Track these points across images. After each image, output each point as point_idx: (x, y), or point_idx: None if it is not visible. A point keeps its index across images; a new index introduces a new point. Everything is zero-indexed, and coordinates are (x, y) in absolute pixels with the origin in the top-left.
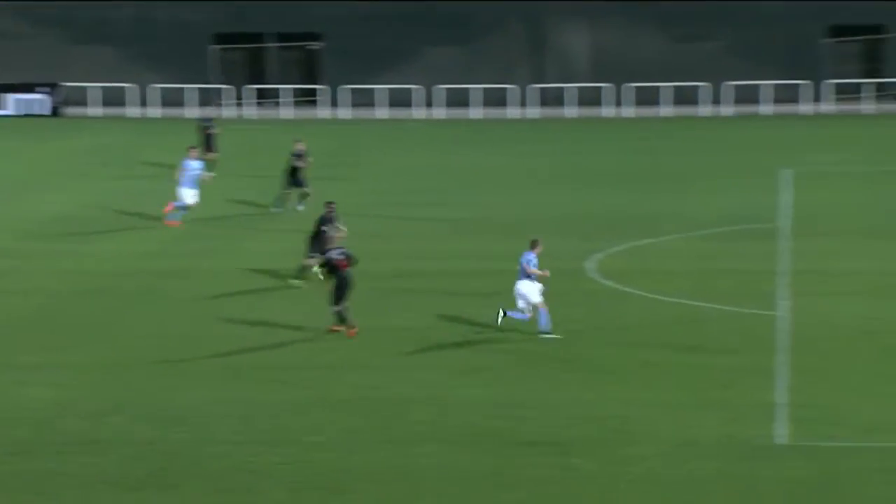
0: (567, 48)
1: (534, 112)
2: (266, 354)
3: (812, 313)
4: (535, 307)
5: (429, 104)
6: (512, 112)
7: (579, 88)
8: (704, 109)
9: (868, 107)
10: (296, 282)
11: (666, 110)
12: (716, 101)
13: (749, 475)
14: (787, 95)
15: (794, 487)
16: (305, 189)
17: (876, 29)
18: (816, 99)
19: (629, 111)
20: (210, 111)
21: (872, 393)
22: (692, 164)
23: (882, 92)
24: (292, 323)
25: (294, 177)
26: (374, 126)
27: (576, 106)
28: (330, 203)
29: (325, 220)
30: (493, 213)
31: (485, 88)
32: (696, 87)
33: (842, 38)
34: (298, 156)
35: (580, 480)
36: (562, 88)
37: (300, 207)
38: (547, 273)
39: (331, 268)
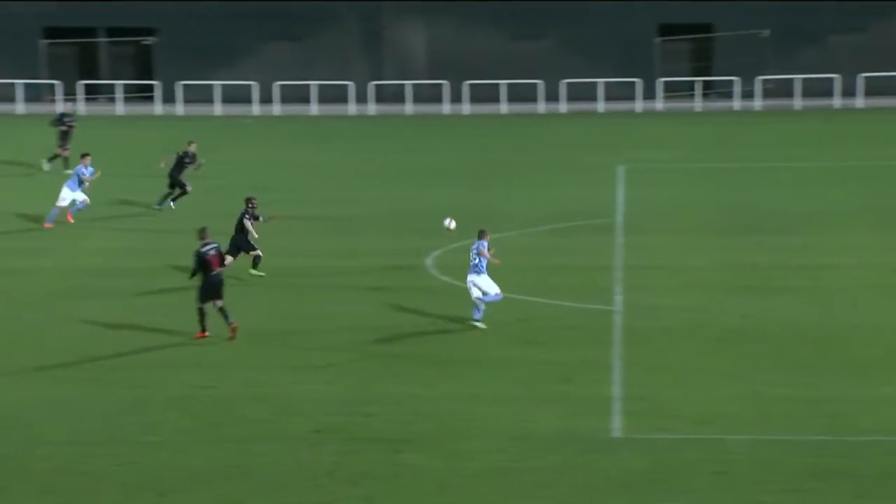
0: (404, 45)
1: (373, 109)
2: (98, 353)
3: (646, 308)
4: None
5: (266, 100)
6: (351, 109)
7: (417, 85)
8: (541, 107)
9: (698, 104)
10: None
11: (503, 107)
12: (553, 98)
13: (585, 468)
14: (621, 93)
15: (628, 479)
16: (187, 189)
17: (705, 28)
18: (649, 97)
19: (467, 108)
20: (69, 106)
21: (702, 385)
22: (529, 161)
23: (711, 90)
24: (125, 322)
25: (177, 176)
26: (211, 122)
27: (414, 103)
28: (250, 199)
29: (246, 216)
30: (330, 210)
31: (323, 85)
32: (533, 84)
33: (672, 37)
34: (189, 156)
35: (419, 476)
36: (400, 85)
37: (172, 205)
38: (498, 260)
39: (202, 264)
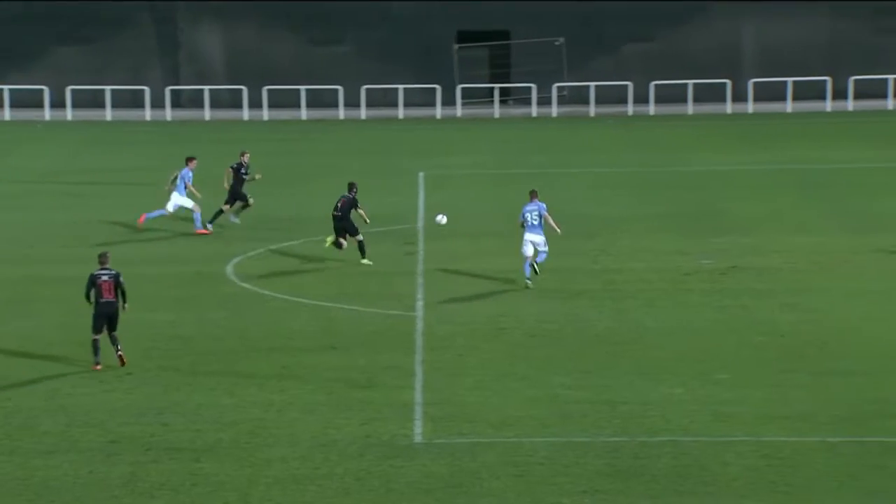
0: (201, 49)
1: (169, 114)
2: None
3: (447, 313)
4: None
5: (59, 105)
6: (147, 114)
7: (215, 90)
8: (341, 112)
9: (497, 111)
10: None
11: (304, 113)
12: (353, 103)
13: (387, 474)
14: (421, 99)
15: (429, 484)
16: (249, 202)
17: (503, 35)
18: (449, 103)
19: (267, 114)
20: None
21: (502, 389)
22: (331, 167)
23: (509, 96)
24: None
25: (238, 189)
26: (1, 128)
27: (212, 108)
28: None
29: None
30: (126, 215)
31: (117, 90)
32: (334, 89)
33: (470, 44)
34: (245, 167)
35: (218, 485)
36: (198, 90)
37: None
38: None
39: (92, 288)
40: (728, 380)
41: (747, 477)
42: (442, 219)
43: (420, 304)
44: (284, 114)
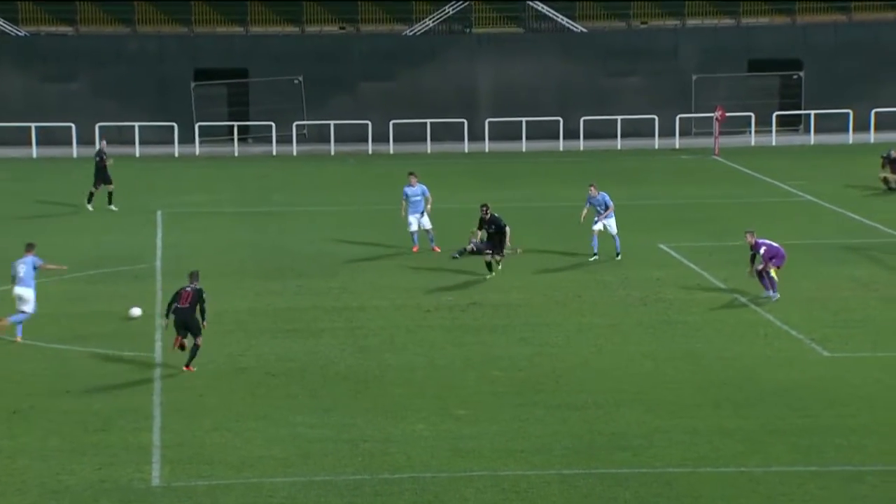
0: None
1: None
2: None
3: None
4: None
5: None
6: None
7: None
8: (74, 150)
9: (236, 149)
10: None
11: (34, 151)
12: (87, 141)
13: None
14: (158, 137)
15: None
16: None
17: (241, 73)
18: (187, 141)
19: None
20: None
21: (242, 430)
22: (66, 206)
23: (248, 135)
24: None
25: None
26: None
27: None
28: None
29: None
30: None
31: None
32: (67, 126)
33: (208, 82)
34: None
35: None
36: None
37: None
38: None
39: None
40: (468, 415)
41: None
42: (136, 312)
43: (159, 344)
44: (12, 151)
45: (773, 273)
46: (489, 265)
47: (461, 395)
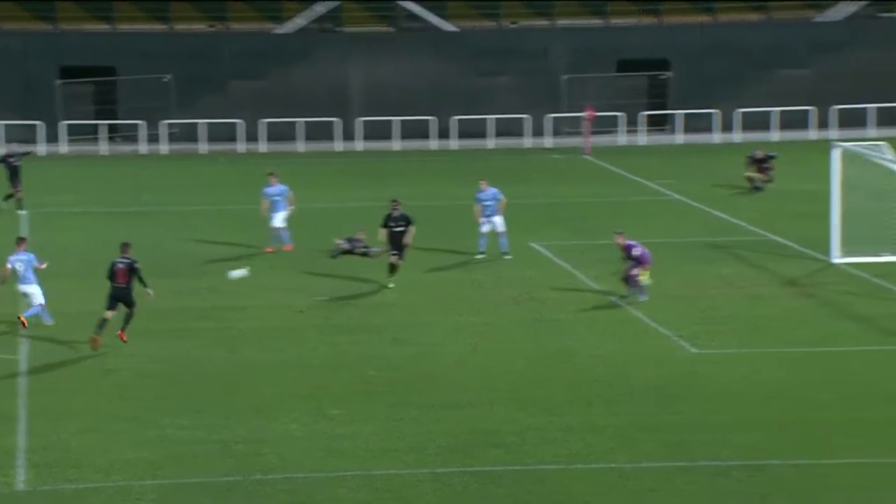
0: None
1: None
2: None
3: (52, 354)
4: None
5: None
6: None
7: None
8: None
9: (104, 148)
10: None
11: None
12: None
13: None
14: (23, 136)
15: None
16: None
17: (108, 71)
18: (52, 140)
19: None
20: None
21: (111, 432)
22: None
23: (116, 133)
24: None
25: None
26: None
27: None
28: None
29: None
30: None
31: None
32: None
33: (74, 80)
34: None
35: None
36: None
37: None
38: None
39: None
40: (341, 415)
41: None
42: (238, 273)
43: (24, 346)
44: None
45: (642, 278)
46: (394, 267)
47: (335, 394)
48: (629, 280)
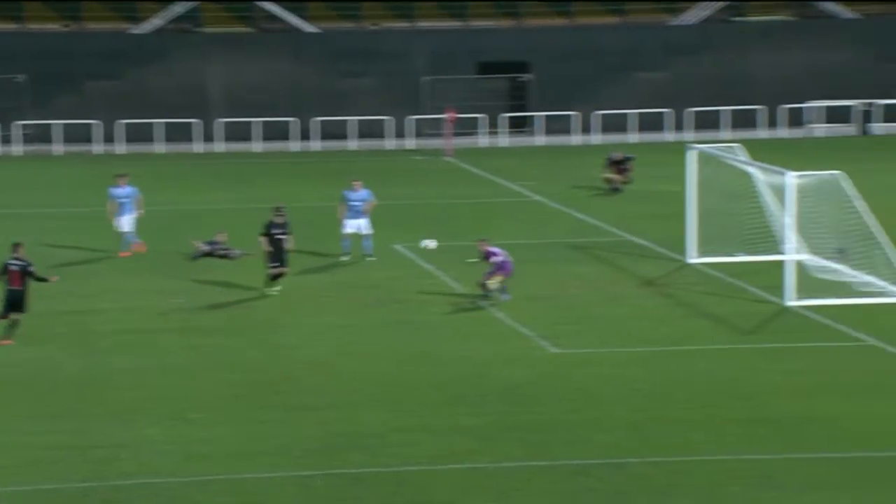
0: None
1: None
2: None
3: None
4: None
5: None
6: None
7: None
8: None
9: None
10: None
11: None
12: None
13: None
14: None
15: None
16: None
17: None
18: None
19: None
20: None
21: None
22: None
23: None
24: None
25: None
26: None
27: None
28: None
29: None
30: None
31: None
32: None
33: None
34: None
35: None
36: None
37: None
38: None
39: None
40: (202, 419)
41: None
42: (430, 243)
43: None
44: None
45: (490, 282)
46: (276, 277)
47: (195, 398)
48: (484, 286)
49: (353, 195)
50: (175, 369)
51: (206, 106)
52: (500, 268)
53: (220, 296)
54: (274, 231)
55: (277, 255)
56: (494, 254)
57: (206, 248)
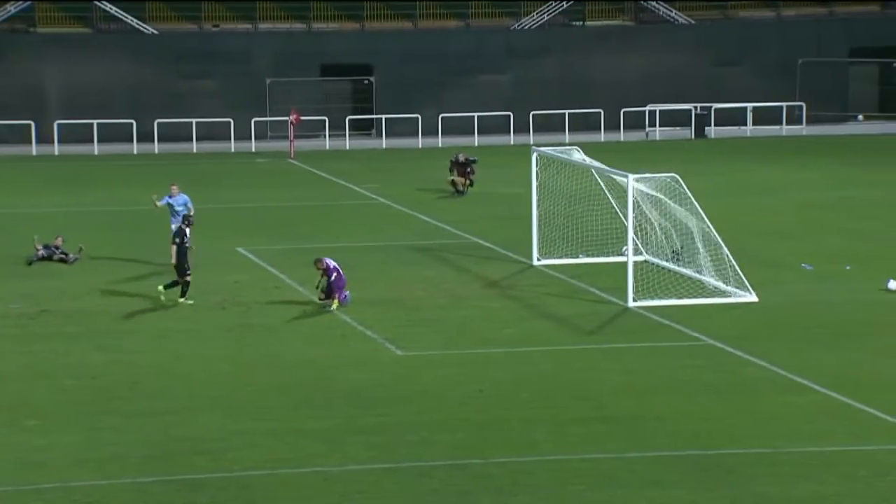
0: None
1: None
2: None
3: None
4: None
5: None
6: None
7: None
8: None
9: None
10: None
11: None
12: None
13: None
14: None
15: None
16: None
17: None
18: None
19: None
20: None
21: None
22: None
23: None
24: None
25: None
26: None
27: None
28: None
29: None
30: None
31: None
32: None
33: None
34: None
35: None
36: None
37: None
38: None
39: None
40: (38, 426)
41: None
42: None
43: None
44: None
45: (335, 305)
46: (187, 284)
47: (30, 405)
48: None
49: (172, 200)
50: (11, 376)
51: (43, 107)
52: (337, 286)
53: (59, 302)
54: (184, 240)
55: (186, 263)
56: (331, 270)
57: (43, 252)
